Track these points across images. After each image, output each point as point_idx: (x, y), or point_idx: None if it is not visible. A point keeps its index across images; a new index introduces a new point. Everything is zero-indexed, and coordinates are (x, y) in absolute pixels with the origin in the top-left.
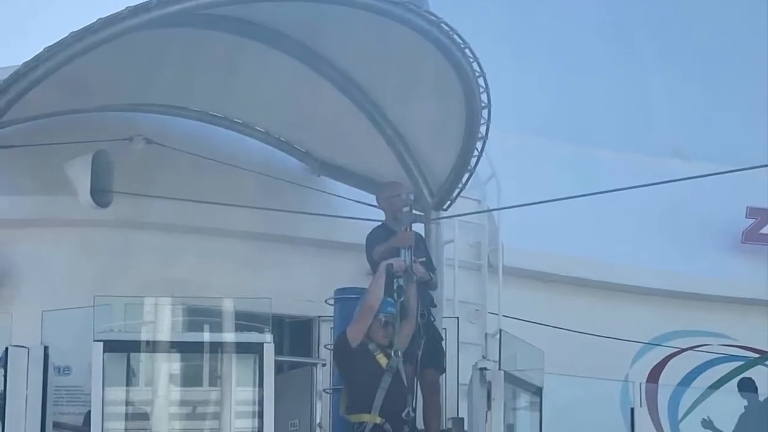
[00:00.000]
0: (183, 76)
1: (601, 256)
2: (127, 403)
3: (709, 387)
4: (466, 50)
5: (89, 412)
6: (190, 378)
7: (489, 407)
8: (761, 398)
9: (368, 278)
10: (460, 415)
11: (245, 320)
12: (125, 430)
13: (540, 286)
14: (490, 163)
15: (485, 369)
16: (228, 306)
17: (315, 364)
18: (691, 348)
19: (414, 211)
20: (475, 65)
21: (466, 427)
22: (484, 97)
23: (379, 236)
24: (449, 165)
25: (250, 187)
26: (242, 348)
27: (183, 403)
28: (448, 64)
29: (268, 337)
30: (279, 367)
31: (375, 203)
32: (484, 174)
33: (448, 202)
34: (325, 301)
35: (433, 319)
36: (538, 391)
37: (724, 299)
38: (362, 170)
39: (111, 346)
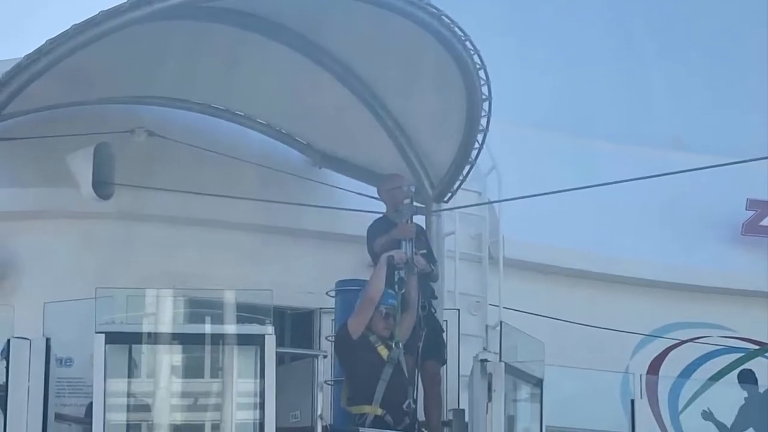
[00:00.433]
0: (184, 68)
1: (602, 248)
2: (129, 394)
3: (709, 379)
4: (467, 42)
5: (91, 403)
6: (191, 369)
7: (490, 399)
8: (761, 390)
9: (369, 270)
10: (460, 407)
11: (246, 312)
12: (127, 421)
13: (540, 278)
14: (490, 155)
15: (486, 360)
16: (229, 298)
17: (316, 356)
18: (692, 340)
19: (415, 203)
20: (476, 57)
21: (466, 419)
22: (484, 89)
23: (381, 228)
24: (450, 157)
25: (252, 179)
26: (243, 340)
27: (184, 394)
28: (449, 57)
29: (269, 329)
30: (280, 359)
31: (376, 195)
32: (484, 166)
33: (449, 194)
34: (327, 292)
35: (433, 310)
36: (538, 383)
37: (725, 291)
38: (363, 162)
39: (113, 338)
